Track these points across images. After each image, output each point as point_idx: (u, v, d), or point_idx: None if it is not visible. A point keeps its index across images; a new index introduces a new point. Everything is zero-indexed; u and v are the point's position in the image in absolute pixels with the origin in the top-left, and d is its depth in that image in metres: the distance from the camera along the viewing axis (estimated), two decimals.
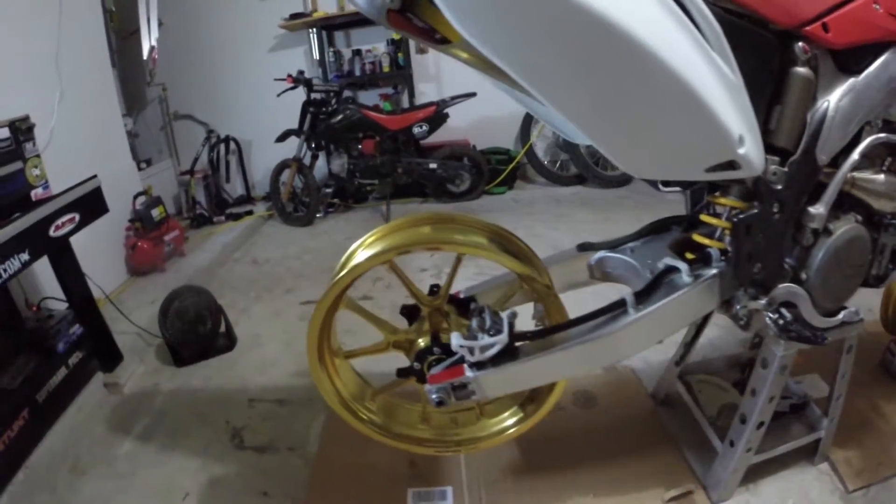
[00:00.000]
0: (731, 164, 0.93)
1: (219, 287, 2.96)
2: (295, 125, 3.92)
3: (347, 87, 4.20)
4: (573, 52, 0.76)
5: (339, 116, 3.81)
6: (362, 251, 1.19)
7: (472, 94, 3.82)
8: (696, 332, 1.65)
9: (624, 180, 4.32)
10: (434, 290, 1.25)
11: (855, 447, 1.60)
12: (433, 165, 3.92)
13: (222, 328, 2.34)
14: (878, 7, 1.01)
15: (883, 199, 1.20)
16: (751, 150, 0.93)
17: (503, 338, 1.06)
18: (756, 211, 1.05)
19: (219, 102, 4.69)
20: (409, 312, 1.30)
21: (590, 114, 0.85)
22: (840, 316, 1.24)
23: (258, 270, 3.24)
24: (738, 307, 1.16)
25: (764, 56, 0.97)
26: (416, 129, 3.86)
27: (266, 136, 4.09)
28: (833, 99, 1.03)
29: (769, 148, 1.00)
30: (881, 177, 1.19)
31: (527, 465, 1.51)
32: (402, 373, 1.25)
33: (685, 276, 1.11)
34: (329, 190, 4.21)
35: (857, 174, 1.15)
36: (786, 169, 1.03)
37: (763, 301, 1.15)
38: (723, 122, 0.86)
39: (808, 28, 0.97)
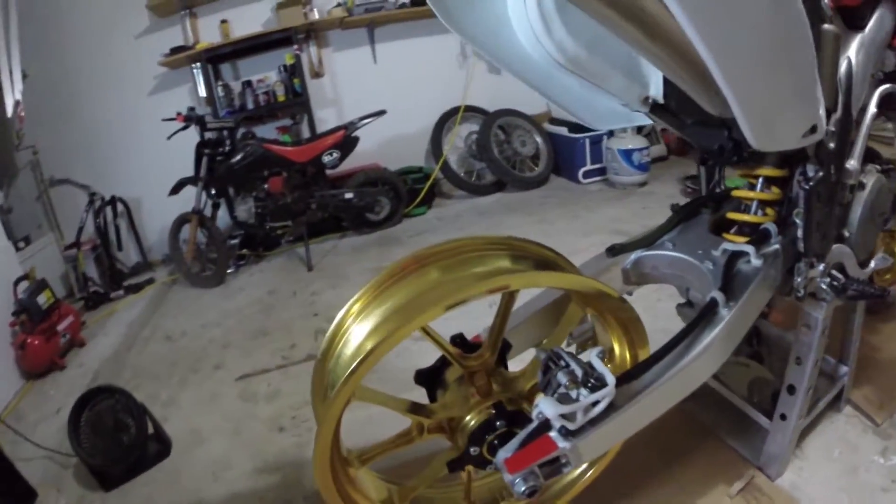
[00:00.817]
0: (814, 129, 0.94)
1: (133, 378, 2.49)
2: (189, 173, 3.46)
3: (243, 122, 3.81)
4: (765, 18, 0.74)
5: (239, 155, 3.42)
6: (364, 323, 0.90)
7: (382, 112, 3.61)
8: None
9: (542, 180, 4.32)
10: (456, 341, 0.99)
11: (867, 384, 1.70)
12: (349, 195, 3.65)
13: (150, 430, 1.90)
14: None
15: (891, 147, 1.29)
16: (822, 112, 0.94)
17: (610, 390, 0.85)
18: (822, 174, 1.04)
19: (99, 160, 4.06)
20: (431, 377, 1.02)
21: (752, 79, 0.79)
22: (872, 264, 1.25)
23: (175, 348, 2.77)
24: (798, 279, 1.13)
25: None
26: (326, 158, 3.57)
27: (157, 191, 3.58)
28: (852, 54, 1.06)
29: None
30: (889, 125, 1.28)
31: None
32: (456, 465, 0.97)
33: (754, 258, 1.05)
34: (235, 241, 3.78)
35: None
36: (833, 126, 1.03)
37: (821, 268, 1.13)
38: (816, 87, 0.88)
39: None
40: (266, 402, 2.11)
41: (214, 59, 4.00)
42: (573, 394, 0.85)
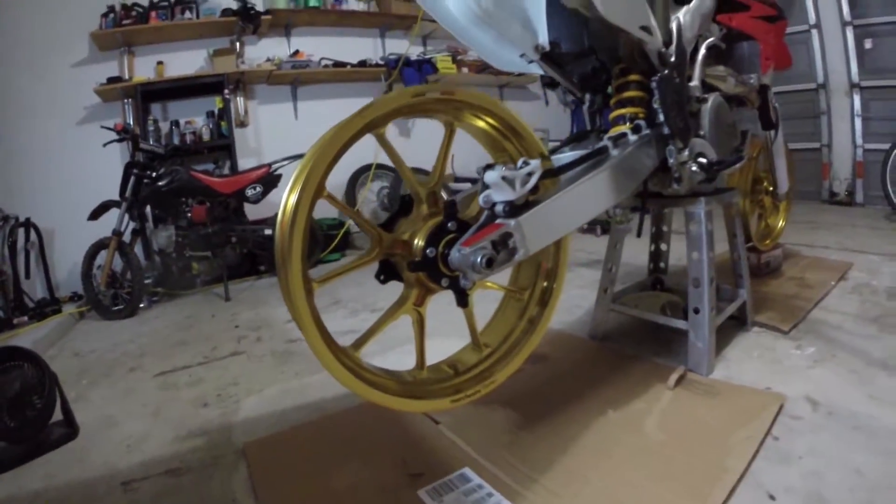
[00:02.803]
0: (649, 31, 1.30)
1: None
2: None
3: (171, 155, 3.82)
4: None
5: (166, 179, 3.40)
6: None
7: (301, 156, 3.76)
8: (612, 266, 1.86)
9: None
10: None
11: (766, 311, 2.01)
12: (269, 231, 3.67)
13: (57, 416, 1.72)
14: None
15: (724, 84, 1.66)
16: (656, 27, 1.31)
17: (537, 164, 1.02)
18: (667, 72, 1.38)
19: (15, 184, 3.85)
20: (390, 221, 1.11)
21: None
22: (736, 164, 1.58)
23: (84, 361, 2.55)
24: (671, 161, 1.42)
25: None
26: (249, 192, 3.63)
27: (72, 226, 3.45)
28: (679, 16, 1.49)
29: None
30: (721, 67, 1.65)
31: (527, 419, 1.39)
32: (417, 266, 1.04)
33: (631, 136, 1.36)
34: (149, 280, 3.64)
35: (707, 69, 1.57)
36: (671, 51, 1.43)
37: (686, 153, 1.43)
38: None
39: None
40: (188, 388, 2.00)
41: (147, 95, 4.07)
42: (511, 175, 0.99)
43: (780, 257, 2.54)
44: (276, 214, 3.09)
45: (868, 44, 4.76)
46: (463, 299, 1.10)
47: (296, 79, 4.56)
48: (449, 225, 1.05)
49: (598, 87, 1.57)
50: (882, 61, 4.72)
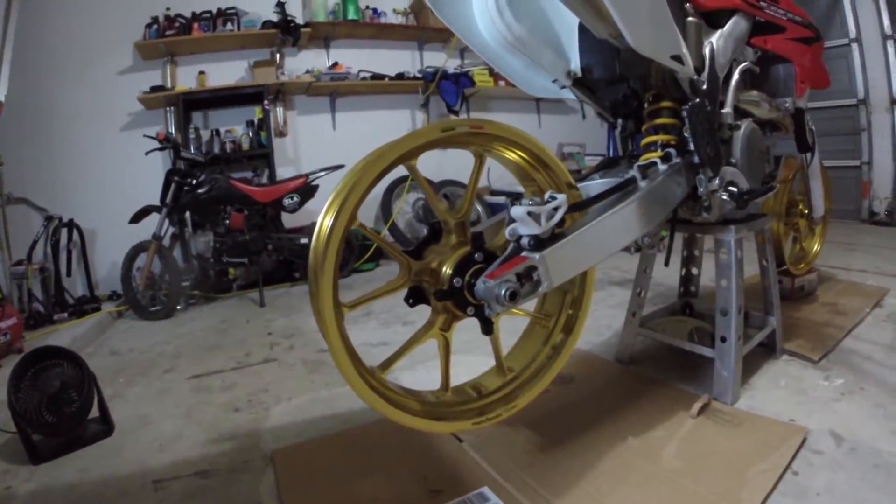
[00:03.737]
0: (680, 60, 1.31)
1: None
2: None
3: (211, 162, 3.95)
4: None
5: (206, 187, 3.52)
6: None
7: (340, 167, 3.83)
8: (641, 291, 1.86)
9: None
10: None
11: (797, 338, 1.97)
12: (304, 240, 3.75)
13: (94, 413, 1.81)
14: None
15: (758, 109, 1.64)
16: (687, 56, 1.30)
17: (563, 199, 1.04)
18: (698, 100, 1.38)
19: (60, 186, 4.02)
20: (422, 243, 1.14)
21: (627, 2, 1.11)
22: (769, 192, 1.57)
23: (121, 360, 2.66)
24: (701, 190, 1.42)
25: (674, 6, 1.37)
26: (286, 202, 3.72)
27: (113, 226, 3.63)
28: (714, 40, 1.48)
29: None
30: (754, 93, 1.62)
31: (548, 441, 1.41)
32: (443, 295, 1.07)
33: (661, 165, 1.35)
34: (187, 283, 3.76)
35: (742, 94, 1.56)
36: (703, 78, 1.44)
37: (717, 182, 1.42)
38: (675, 27, 1.26)
39: None
40: (221, 392, 2.07)
41: (189, 104, 4.22)
42: (537, 210, 1.02)
43: (814, 281, 2.49)
44: (312, 224, 3.19)
45: None
46: (488, 328, 1.13)
47: (334, 90, 4.66)
48: (476, 256, 1.09)
49: (631, 113, 1.58)
50: None
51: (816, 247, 2.55)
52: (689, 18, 1.43)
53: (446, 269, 1.08)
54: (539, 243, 1.04)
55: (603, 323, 2.39)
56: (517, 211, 1.01)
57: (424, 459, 1.35)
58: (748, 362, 1.73)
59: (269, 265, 3.76)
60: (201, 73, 4.28)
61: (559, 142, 5.39)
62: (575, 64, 1.51)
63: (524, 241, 1.04)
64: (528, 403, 1.22)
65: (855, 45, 4.85)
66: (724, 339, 1.50)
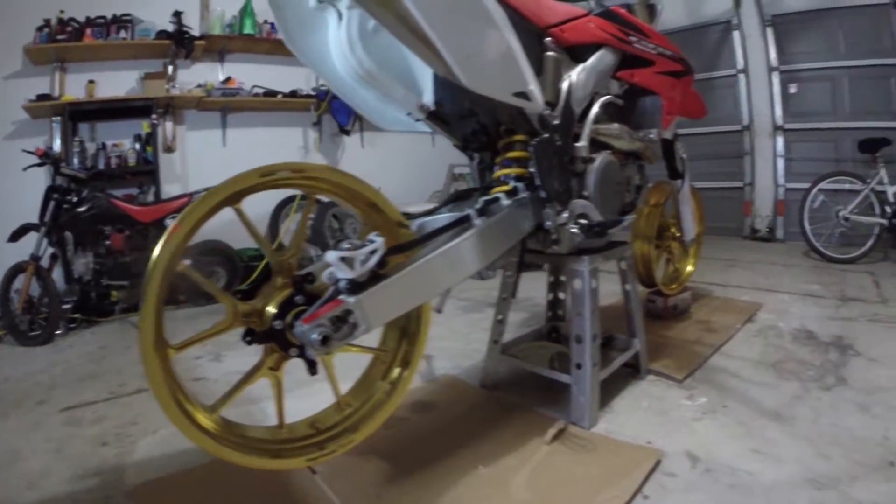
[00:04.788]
0: (526, 96, 1.30)
1: None
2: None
3: (94, 179, 3.72)
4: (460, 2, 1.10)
5: (86, 205, 3.32)
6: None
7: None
8: (502, 318, 1.89)
9: None
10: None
11: (664, 358, 2.03)
12: (187, 262, 3.60)
13: None
14: (592, 24, 1.56)
15: (618, 141, 1.68)
16: (536, 91, 1.31)
17: (380, 244, 1.05)
18: (547, 135, 1.42)
19: None
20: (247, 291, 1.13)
21: (456, 41, 1.10)
22: (622, 223, 1.62)
23: None
24: (548, 223, 1.46)
25: (531, 42, 1.40)
26: (168, 222, 3.56)
27: None
28: (573, 75, 1.51)
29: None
30: (615, 125, 1.66)
31: (399, 472, 1.39)
32: (263, 337, 1.07)
33: (504, 200, 1.38)
34: (68, 306, 3.53)
35: (600, 127, 1.60)
36: (556, 112, 1.46)
37: (566, 215, 1.46)
38: (520, 63, 1.24)
39: (552, 30, 1.46)
40: (91, 425, 1.96)
41: (75, 115, 3.95)
42: (351, 255, 1.03)
43: (688, 300, 2.64)
44: (197, 244, 3.05)
45: (792, 88, 5.06)
46: (312, 369, 1.12)
47: (225, 106, 4.52)
48: (296, 298, 1.08)
49: (485, 146, 1.59)
50: (805, 105, 5.03)
51: (690, 268, 2.70)
52: (549, 53, 1.45)
53: (269, 311, 1.07)
54: (356, 286, 1.04)
55: (474, 347, 2.34)
56: (331, 256, 1.01)
57: (282, 491, 1.33)
58: (612, 384, 1.78)
59: None
60: (91, 82, 4.01)
61: (450, 163, 5.34)
62: (428, 98, 1.52)
63: (341, 285, 1.04)
64: (382, 432, 1.25)
65: (742, 76, 5.26)
66: (579, 366, 1.54)
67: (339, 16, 1.35)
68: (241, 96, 4.49)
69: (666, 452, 1.41)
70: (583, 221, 1.47)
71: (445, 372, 2.04)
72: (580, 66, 1.53)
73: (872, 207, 3.94)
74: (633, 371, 1.90)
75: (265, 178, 1.04)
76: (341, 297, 1.03)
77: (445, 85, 1.42)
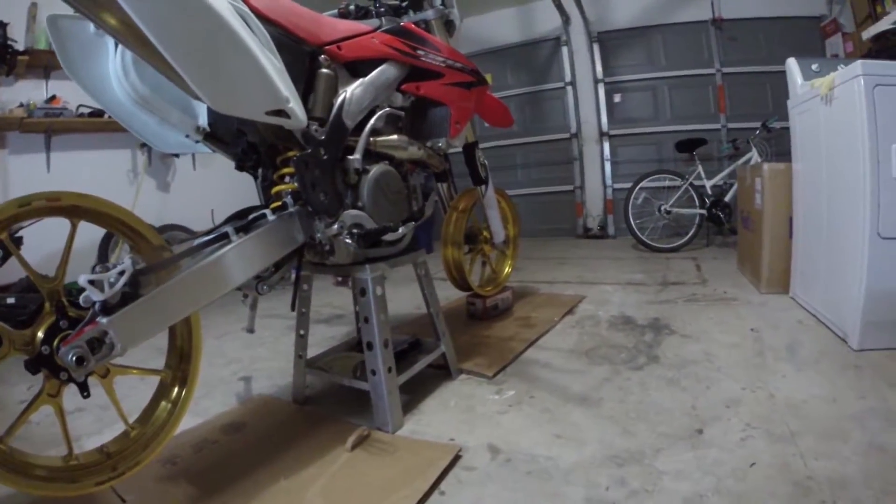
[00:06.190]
0: (285, 114, 1.29)
1: None
2: None
3: None
4: (195, 25, 1.04)
5: None
6: None
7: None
8: (304, 332, 1.87)
9: None
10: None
11: (477, 357, 2.11)
12: (11, 300, 3.21)
13: None
14: (375, 40, 1.59)
15: (399, 151, 1.72)
16: (296, 108, 1.31)
17: (129, 264, 1.09)
18: (309, 151, 1.44)
19: None
20: (31, 318, 1.12)
21: (196, 65, 1.07)
22: (400, 230, 1.67)
23: None
24: (318, 236, 1.49)
25: (300, 60, 1.43)
26: None
27: None
28: (349, 89, 1.53)
29: (311, 118, 1.44)
30: (394, 136, 1.70)
31: (203, 492, 1.35)
32: (32, 364, 1.07)
33: (270, 215, 1.40)
34: None
35: (379, 139, 1.64)
36: (325, 128, 1.48)
37: (336, 227, 1.49)
38: (274, 82, 1.23)
39: (328, 47, 1.49)
40: None
41: None
42: (99, 277, 1.07)
43: (508, 299, 2.76)
44: (20, 280, 2.70)
45: (617, 98, 5.62)
46: (84, 392, 1.13)
47: (49, 127, 4.06)
48: (61, 323, 1.11)
49: (264, 163, 1.58)
50: (628, 113, 5.61)
51: (507, 269, 2.83)
52: (322, 70, 1.46)
53: (38, 337, 1.09)
54: (109, 308, 1.08)
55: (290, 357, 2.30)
56: (81, 279, 1.05)
57: None
58: (421, 387, 1.84)
59: None
60: None
61: None
62: (203, 119, 1.53)
63: (96, 307, 1.08)
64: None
65: (570, 88, 5.75)
66: (374, 372, 1.57)
67: (116, 43, 1.36)
68: (66, 116, 4.05)
69: (467, 447, 1.45)
70: (356, 231, 1.50)
71: (263, 391, 1.99)
72: (357, 82, 1.55)
73: (693, 200, 4.48)
74: (445, 373, 1.95)
75: (22, 209, 1.07)
76: (98, 318, 1.07)
77: None
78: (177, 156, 4.80)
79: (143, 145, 4.65)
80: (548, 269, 4.06)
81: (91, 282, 1.05)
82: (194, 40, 1.04)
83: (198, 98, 1.23)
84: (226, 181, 5.02)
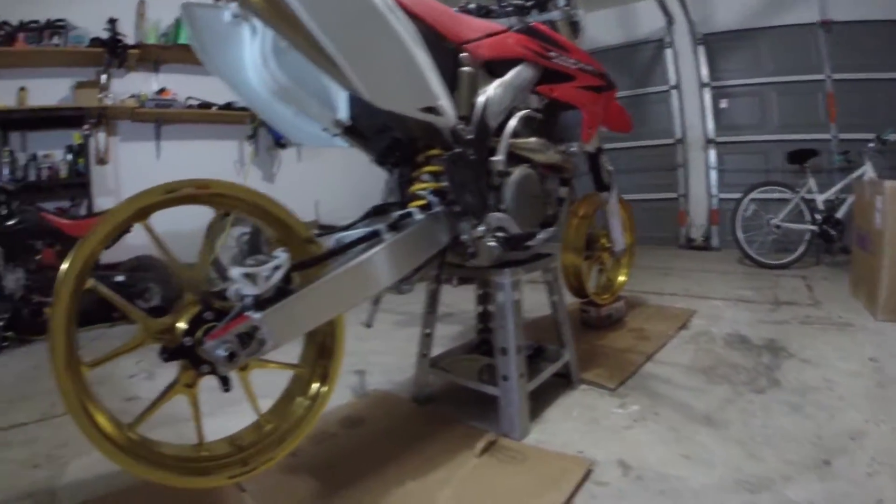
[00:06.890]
0: (436, 111, 1.30)
1: None
2: None
3: (23, 192, 3.56)
4: (348, 7, 1.04)
5: (15, 219, 3.18)
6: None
7: None
8: (429, 331, 1.89)
9: None
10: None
11: (597, 367, 2.06)
12: (120, 278, 3.50)
13: None
14: (510, 40, 1.57)
15: (538, 154, 1.69)
16: (447, 105, 1.31)
17: (285, 258, 1.06)
18: (459, 150, 1.43)
19: None
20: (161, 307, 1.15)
21: (353, 54, 1.06)
22: (540, 235, 1.66)
23: None
24: (464, 237, 1.48)
25: (445, 57, 1.39)
26: None
27: None
28: (490, 89, 1.51)
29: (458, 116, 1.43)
30: (533, 139, 1.67)
31: (328, 489, 1.37)
32: (174, 354, 1.06)
33: (417, 215, 1.39)
34: (0, 324, 3.36)
35: (518, 141, 1.61)
36: (471, 127, 1.46)
37: (482, 228, 1.48)
38: (427, 78, 1.22)
39: (468, 45, 1.47)
40: (21, 447, 1.87)
41: (6, 124, 3.80)
42: (254, 271, 1.04)
43: (622, 309, 2.71)
44: (131, 259, 2.95)
45: (723, 103, 5.34)
46: (225, 386, 1.12)
47: (159, 117, 4.41)
48: (205, 315, 1.08)
49: (403, 160, 1.58)
50: (734, 119, 5.31)
51: (622, 277, 2.78)
52: (464, 68, 1.45)
53: (179, 327, 1.07)
54: (261, 303, 1.06)
55: (410, 361, 2.25)
56: (235, 272, 1.02)
57: None
58: (544, 395, 1.81)
59: (86, 304, 3.46)
60: (22, 89, 3.86)
61: (387, 177, 5.36)
62: (343, 113, 1.51)
63: (246, 302, 1.05)
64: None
65: (675, 91, 5.51)
66: (506, 378, 1.56)
67: (254, 31, 1.34)
68: (175, 108, 4.39)
69: (597, 461, 1.42)
70: (500, 234, 1.49)
71: (378, 387, 2.03)
72: (497, 82, 1.52)
73: (802, 215, 4.17)
74: (565, 381, 1.92)
75: (169, 195, 1.04)
76: (247, 313, 1.03)
77: (360, 100, 1.38)
78: (283, 146, 4.98)
79: (251, 137, 4.91)
80: (654, 280, 3.93)
81: (245, 275, 1.02)
82: (357, 33, 1.05)
83: (351, 89, 1.20)
84: (329, 173, 5.23)
